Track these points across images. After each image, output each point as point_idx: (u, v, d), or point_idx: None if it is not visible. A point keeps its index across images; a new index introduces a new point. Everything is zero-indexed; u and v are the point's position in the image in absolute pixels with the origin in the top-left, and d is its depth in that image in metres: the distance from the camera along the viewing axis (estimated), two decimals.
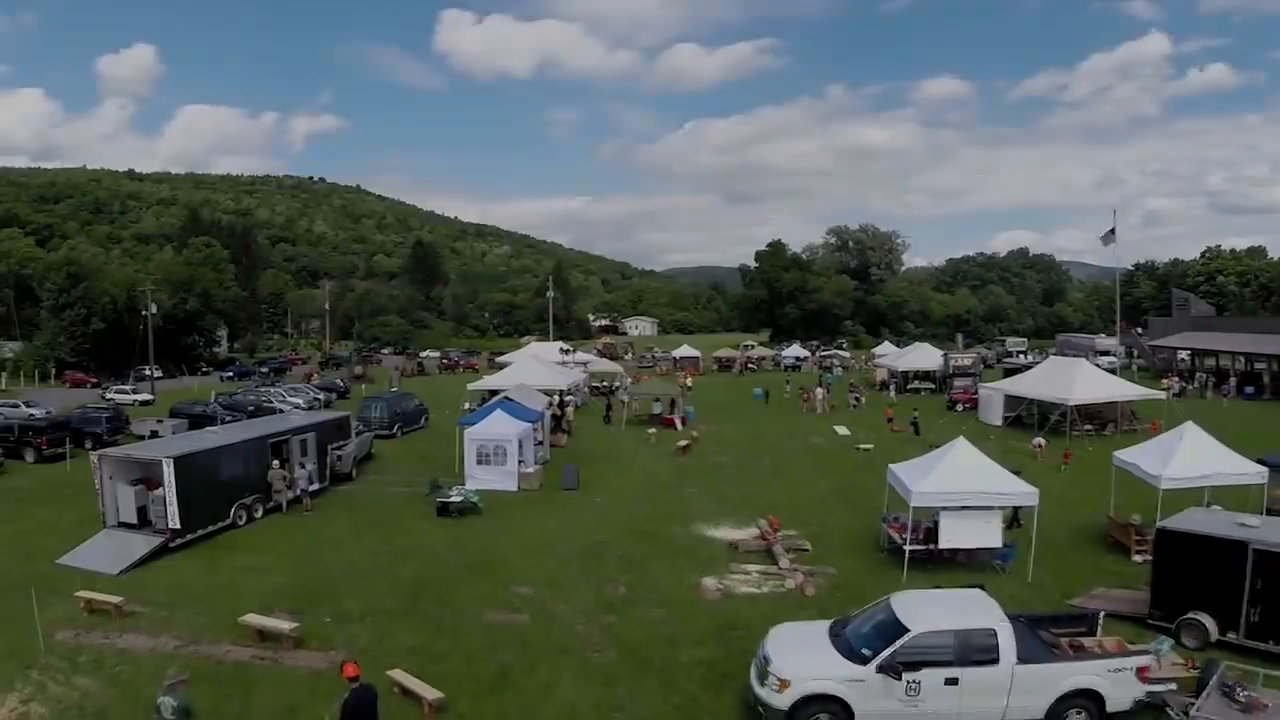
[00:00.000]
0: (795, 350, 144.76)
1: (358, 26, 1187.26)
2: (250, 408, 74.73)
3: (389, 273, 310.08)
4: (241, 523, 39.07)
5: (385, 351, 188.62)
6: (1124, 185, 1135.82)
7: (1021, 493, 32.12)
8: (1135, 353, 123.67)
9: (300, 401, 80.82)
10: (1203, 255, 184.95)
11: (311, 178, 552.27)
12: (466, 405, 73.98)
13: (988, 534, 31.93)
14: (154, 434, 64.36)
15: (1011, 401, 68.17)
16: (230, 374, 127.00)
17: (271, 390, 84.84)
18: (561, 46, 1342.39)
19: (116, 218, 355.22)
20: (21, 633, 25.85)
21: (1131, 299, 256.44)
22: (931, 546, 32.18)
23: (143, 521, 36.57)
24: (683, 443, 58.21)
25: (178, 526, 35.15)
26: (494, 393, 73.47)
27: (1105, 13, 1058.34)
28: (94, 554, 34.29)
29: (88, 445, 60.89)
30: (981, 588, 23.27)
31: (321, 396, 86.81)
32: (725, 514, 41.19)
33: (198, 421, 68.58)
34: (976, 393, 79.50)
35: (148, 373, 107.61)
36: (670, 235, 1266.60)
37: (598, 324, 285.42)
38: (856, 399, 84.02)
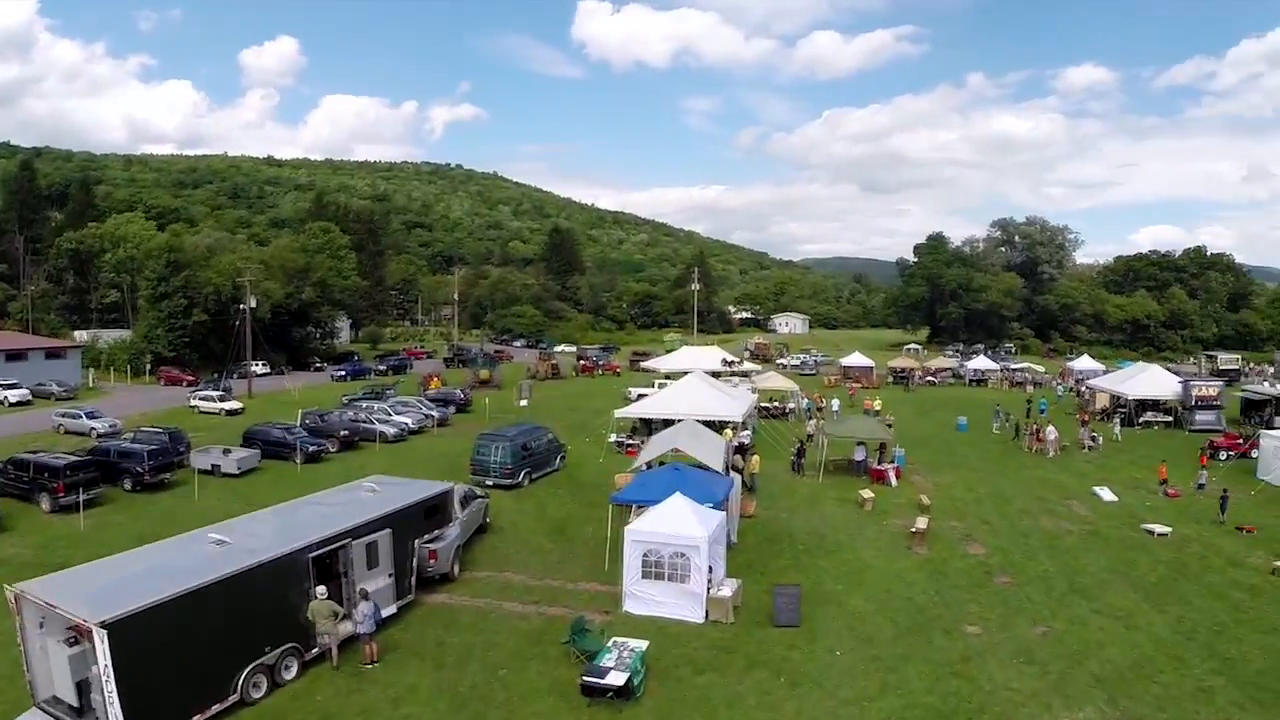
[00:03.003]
0: (981, 362, 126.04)
1: (497, 17, 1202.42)
2: (343, 432, 60.40)
3: (524, 259, 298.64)
4: (257, 694, 23.66)
5: (517, 344, 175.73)
6: (1274, 180, 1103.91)
7: None
8: None
9: (408, 421, 66.53)
10: None
11: (449, 164, 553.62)
12: (613, 437, 59.50)
13: None
14: (215, 468, 50.79)
15: None
16: (343, 372, 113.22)
17: (375, 406, 69.98)
18: (698, 35, 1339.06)
19: (254, 203, 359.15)
20: None
21: None
22: None
23: (85, 706, 21.67)
24: (920, 524, 41.23)
25: None
26: (646, 422, 59.28)
27: None
28: None
29: (125, 485, 47.54)
30: None
31: (435, 413, 71.31)
32: (1054, 700, 24.99)
33: (275, 449, 55.24)
34: (1242, 438, 64.19)
35: (254, 369, 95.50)
36: (805, 225, 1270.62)
37: (739, 316, 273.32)
38: (1093, 439, 66.81)
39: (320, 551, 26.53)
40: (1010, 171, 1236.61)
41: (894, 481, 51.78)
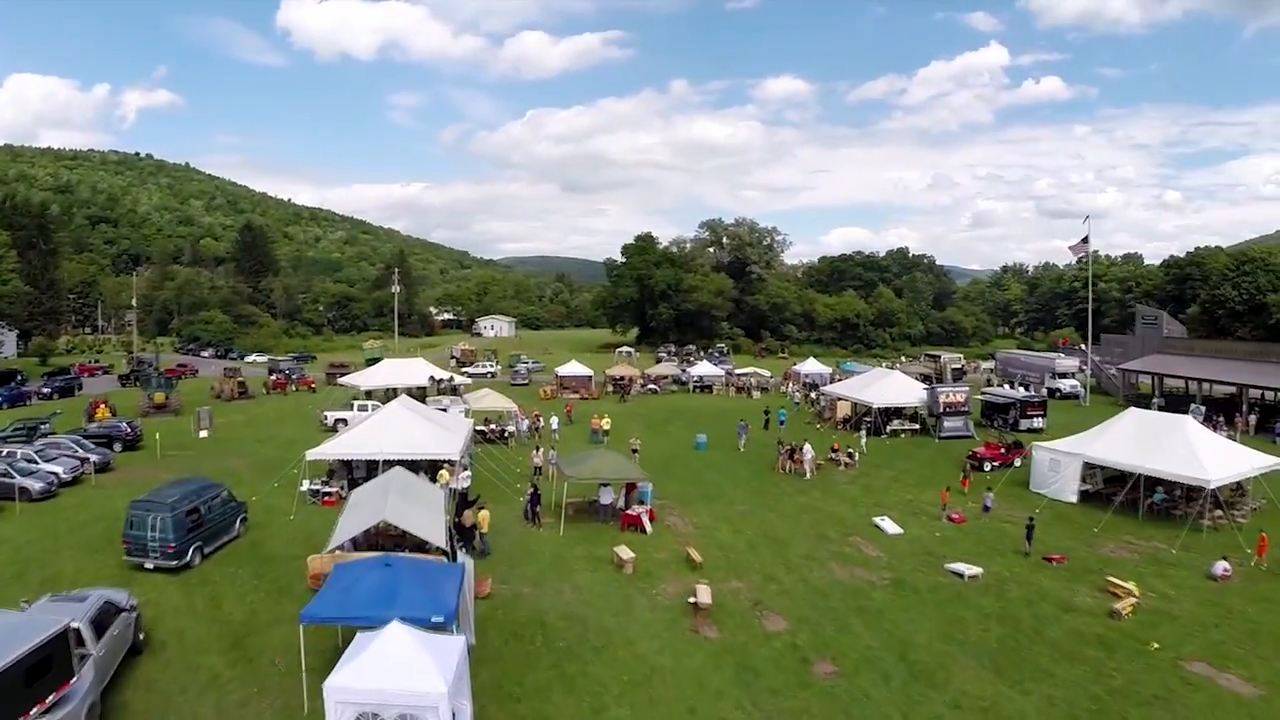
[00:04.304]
0: (705, 368, 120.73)
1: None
2: None
3: (216, 257, 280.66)
4: None
5: (205, 354, 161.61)
6: (956, 188, 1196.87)
7: None
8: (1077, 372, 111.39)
9: (59, 470, 53.29)
10: (1079, 261, 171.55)
11: (138, 153, 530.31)
12: (305, 486, 49.31)
13: None
14: None
15: (1089, 470, 51.72)
16: None
17: (18, 454, 54.65)
18: (406, 29, 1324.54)
19: None
20: None
21: (1002, 301, 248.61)
22: None
23: None
24: (703, 596, 33.12)
25: None
26: (346, 464, 50.65)
27: (947, 22, 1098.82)
28: None
29: None
30: None
31: (94, 457, 57.77)
32: None
33: None
34: (1004, 447, 62.19)
35: None
36: (507, 224, 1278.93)
37: (441, 318, 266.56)
38: (850, 455, 61.90)
39: None
40: (708, 175, 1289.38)
41: (649, 528, 43.98)
